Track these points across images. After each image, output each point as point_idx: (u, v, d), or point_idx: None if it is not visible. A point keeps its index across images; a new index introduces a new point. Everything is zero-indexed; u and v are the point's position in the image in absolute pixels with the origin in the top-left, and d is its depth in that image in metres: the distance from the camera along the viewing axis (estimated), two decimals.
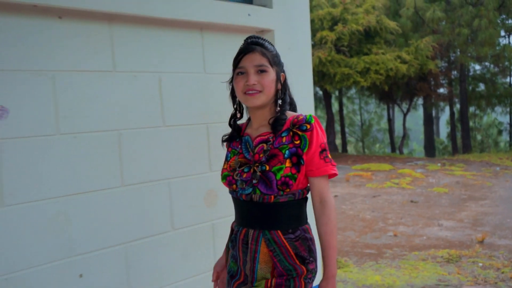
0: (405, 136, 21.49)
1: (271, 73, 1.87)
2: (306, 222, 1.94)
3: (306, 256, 1.85)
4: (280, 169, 1.80)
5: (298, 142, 1.82)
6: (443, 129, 30.02)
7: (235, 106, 2.03)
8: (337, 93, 22.15)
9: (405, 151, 23.24)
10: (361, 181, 11.18)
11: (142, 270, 2.41)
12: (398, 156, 18.02)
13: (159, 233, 2.47)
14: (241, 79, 1.87)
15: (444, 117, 28.06)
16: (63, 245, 2.14)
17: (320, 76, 15.28)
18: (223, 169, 2.01)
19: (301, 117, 1.87)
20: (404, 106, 21.29)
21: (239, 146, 1.98)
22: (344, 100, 26.26)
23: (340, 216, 7.57)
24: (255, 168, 1.85)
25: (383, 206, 8.34)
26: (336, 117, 23.43)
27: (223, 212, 2.74)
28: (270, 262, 1.84)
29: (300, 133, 1.83)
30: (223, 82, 2.12)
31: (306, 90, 3.07)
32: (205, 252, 2.66)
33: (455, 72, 19.72)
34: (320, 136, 1.84)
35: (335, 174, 1.87)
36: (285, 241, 1.83)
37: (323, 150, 1.84)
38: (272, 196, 1.82)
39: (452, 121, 21.81)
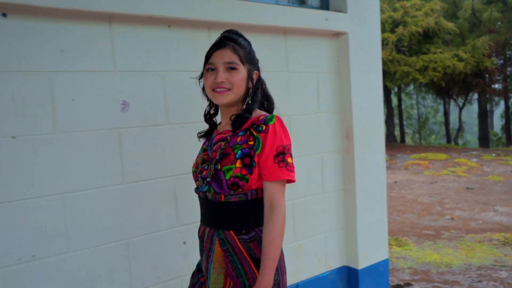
0: (460, 128, 20.42)
1: (242, 71, 1.60)
2: None
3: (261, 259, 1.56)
4: (230, 169, 1.55)
5: (252, 143, 1.55)
6: (497, 122, 28.21)
7: (208, 102, 1.78)
8: (396, 89, 21.41)
9: (460, 142, 22.10)
10: (419, 169, 10.77)
11: None
12: (453, 146, 17.15)
13: None
14: (211, 75, 1.61)
15: (498, 111, 26.35)
16: (170, 217, 2.25)
17: (382, 74, 14.80)
18: (193, 165, 1.77)
19: (262, 117, 1.58)
20: (460, 100, 20.19)
21: (207, 143, 1.74)
22: (402, 96, 25.35)
23: (400, 200, 7.35)
24: (211, 166, 1.60)
25: (440, 192, 8.00)
26: (395, 111, 22.70)
27: (303, 193, 2.76)
28: (223, 262, 1.59)
29: (255, 133, 1.55)
30: (192, 78, 1.85)
31: (376, 86, 3.01)
32: (286, 228, 2.68)
33: (510, 68, 18.44)
34: (277, 139, 1.54)
35: (291, 180, 1.57)
36: (238, 241, 1.57)
37: (280, 153, 1.53)
38: (223, 196, 1.57)
39: (506, 115, 20.44)
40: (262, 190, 1.58)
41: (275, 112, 1.72)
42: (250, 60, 1.65)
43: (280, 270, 1.62)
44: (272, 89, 2.57)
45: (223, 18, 2.31)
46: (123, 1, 2.00)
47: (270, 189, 1.54)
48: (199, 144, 2.28)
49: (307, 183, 2.78)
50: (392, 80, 14.92)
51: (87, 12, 1.93)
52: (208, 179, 1.60)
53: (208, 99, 1.74)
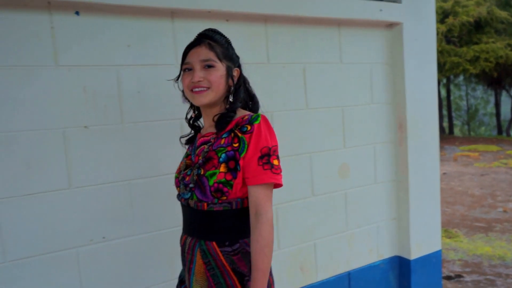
0: None
1: (220, 68, 1.44)
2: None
3: (246, 273, 1.39)
4: (214, 174, 1.37)
5: (236, 145, 1.38)
6: None
7: (190, 104, 1.61)
8: (445, 80, 20.55)
9: None
10: (468, 160, 10.32)
11: (289, 227, 2.47)
12: (505, 138, 16.27)
13: (302, 198, 2.50)
14: (188, 75, 1.45)
15: None
16: None
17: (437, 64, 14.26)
18: (176, 171, 1.60)
19: (246, 117, 1.42)
20: None
21: (190, 148, 1.57)
22: (451, 87, 24.28)
23: (449, 192, 7.07)
24: (193, 171, 1.43)
25: (491, 184, 7.62)
26: (444, 103, 21.80)
27: (355, 183, 2.70)
28: (205, 275, 1.41)
29: (240, 135, 1.38)
30: (169, 80, 1.72)
31: (431, 77, 2.87)
32: (339, 217, 2.65)
33: None
34: (262, 140, 1.37)
35: (278, 185, 1.39)
36: (220, 254, 1.40)
37: (264, 155, 1.37)
38: (205, 204, 1.40)
39: None
40: (247, 199, 1.41)
41: (260, 111, 1.55)
42: (229, 56, 1.49)
43: (268, 283, 1.40)
44: (326, 81, 2.54)
45: (278, 11, 2.28)
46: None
47: (255, 193, 1.36)
48: None
49: (360, 174, 2.72)
50: (442, 71, 14.33)
51: (151, 9, 1.96)
52: (190, 185, 1.42)
53: (188, 101, 1.56)
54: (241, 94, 1.51)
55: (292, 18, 2.37)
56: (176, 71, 2.07)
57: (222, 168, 1.37)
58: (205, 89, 1.42)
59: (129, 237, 1.98)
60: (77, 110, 1.86)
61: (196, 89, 1.43)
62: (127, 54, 1.95)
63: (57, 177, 1.83)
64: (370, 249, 2.79)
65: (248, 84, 1.57)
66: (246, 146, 1.37)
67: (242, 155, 1.37)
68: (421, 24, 2.80)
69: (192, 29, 2.10)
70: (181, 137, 1.63)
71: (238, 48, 2.22)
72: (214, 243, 1.40)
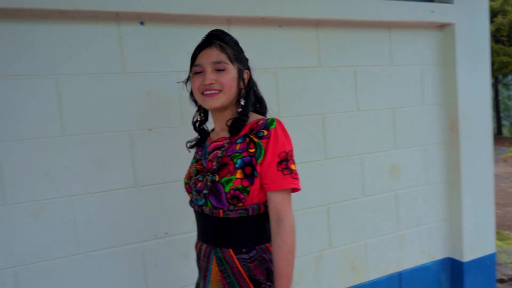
0: None
1: (231, 71, 1.36)
2: (268, 241, 1.36)
3: (262, 280, 1.33)
4: (229, 180, 1.30)
5: (253, 150, 1.30)
6: None
7: (197, 108, 1.52)
8: (493, 80, 19.64)
9: None
10: None
11: (341, 226, 2.45)
12: None
13: (353, 198, 2.48)
14: (198, 78, 1.37)
15: None
16: None
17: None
18: (185, 176, 1.52)
19: (261, 121, 1.33)
20: None
21: (200, 153, 1.49)
22: (499, 87, 23.16)
23: (500, 193, 6.74)
24: (207, 177, 1.35)
25: None
26: (492, 103, 20.84)
27: (406, 184, 2.64)
28: (221, 284, 1.35)
29: (256, 140, 1.30)
30: (178, 82, 1.62)
31: (484, 78, 2.77)
32: (390, 218, 2.60)
33: None
34: (280, 144, 1.30)
35: (296, 189, 1.33)
36: (237, 261, 1.32)
37: (283, 160, 1.30)
38: (221, 211, 1.33)
39: None
40: (264, 204, 1.34)
41: (268, 115, 1.48)
42: (239, 58, 1.41)
43: None
44: (377, 83, 2.51)
45: (329, 16, 2.28)
46: (240, 5, 2.05)
47: (275, 199, 1.29)
48: (300, 137, 2.31)
49: (411, 175, 2.65)
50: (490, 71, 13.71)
51: (209, 17, 2.01)
52: (204, 192, 1.35)
53: (196, 104, 1.49)
54: (252, 98, 1.43)
55: (343, 22, 2.35)
56: None
57: (238, 174, 1.29)
58: (217, 92, 1.35)
59: (189, 233, 2.04)
60: (142, 114, 1.94)
61: (208, 92, 1.35)
62: (186, 61, 2.00)
63: (124, 176, 1.91)
64: (422, 250, 2.72)
65: (256, 86, 1.49)
66: (263, 151, 1.29)
67: (259, 160, 1.29)
68: (473, 24, 2.70)
69: (246, 35, 2.14)
70: (188, 141, 1.55)
71: (290, 52, 2.25)
72: (230, 250, 1.33)
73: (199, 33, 2.02)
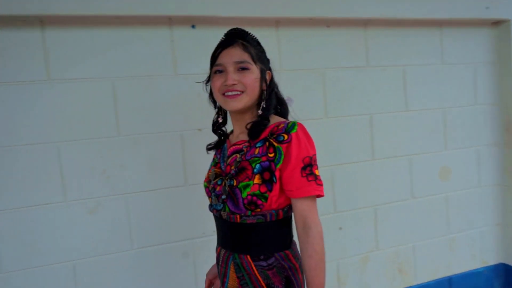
0: None
1: (255, 71, 1.28)
2: (288, 248, 1.29)
3: None
4: (247, 186, 1.22)
5: (272, 155, 1.22)
6: None
7: (216, 110, 1.44)
8: None
9: None
10: None
11: (388, 228, 2.38)
12: None
13: (401, 200, 2.41)
14: (219, 78, 1.29)
15: None
16: (327, 204, 2.26)
17: None
18: (204, 179, 1.46)
19: (282, 125, 1.25)
20: None
21: (219, 156, 1.42)
22: None
23: None
24: (225, 181, 1.29)
25: None
26: None
27: (457, 186, 2.54)
28: None
29: (276, 144, 1.23)
30: (198, 82, 1.51)
31: None
32: (439, 221, 2.51)
33: None
34: (303, 149, 1.22)
35: (320, 196, 1.25)
36: (254, 268, 1.25)
37: (307, 165, 1.22)
38: (238, 216, 1.26)
39: None
40: (283, 210, 1.27)
41: (290, 118, 1.40)
42: (262, 59, 1.33)
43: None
44: (426, 82, 2.42)
45: (378, 15, 2.22)
46: (288, 6, 2.03)
47: (301, 206, 1.22)
48: (347, 138, 2.27)
49: (462, 177, 2.54)
50: None
51: (258, 19, 2.01)
52: (223, 197, 1.29)
53: (215, 106, 1.43)
54: (273, 100, 1.34)
55: (392, 21, 2.29)
56: (281, 77, 2.10)
57: (256, 180, 1.22)
58: (239, 93, 1.26)
59: None
60: (192, 114, 1.97)
61: (229, 93, 1.27)
62: None
63: (175, 175, 1.95)
64: (473, 255, 2.60)
65: (277, 88, 1.40)
66: (282, 156, 1.21)
67: (278, 166, 1.22)
68: None
69: (295, 36, 2.13)
70: (208, 144, 1.48)
71: (338, 52, 2.22)
72: (248, 256, 1.26)
73: None
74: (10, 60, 1.71)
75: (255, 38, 1.34)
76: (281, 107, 1.40)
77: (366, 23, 2.26)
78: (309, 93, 2.17)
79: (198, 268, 2.01)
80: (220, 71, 1.29)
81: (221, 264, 1.34)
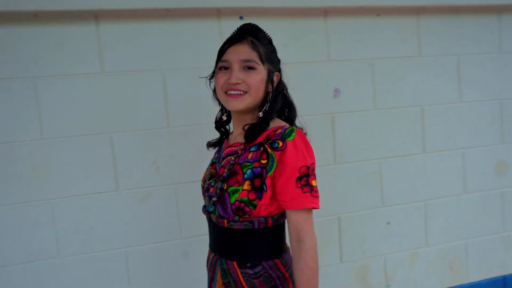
0: None
1: (261, 71, 1.21)
2: (278, 256, 1.23)
3: None
4: (236, 191, 1.17)
5: (265, 162, 1.15)
6: None
7: (220, 107, 1.38)
8: None
9: None
10: None
11: (439, 224, 2.29)
12: None
13: (453, 195, 2.30)
14: (223, 75, 1.22)
15: None
16: (375, 197, 2.19)
17: None
18: (202, 178, 1.39)
19: (279, 130, 1.18)
20: None
21: (216, 155, 1.35)
22: None
23: None
24: (217, 183, 1.23)
25: None
26: None
27: None
28: None
29: (269, 150, 1.15)
30: (202, 77, 1.42)
31: None
32: (494, 217, 2.38)
33: None
34: (300, 158, 1.14)
35: (319, 207, 1.17)
36: (240, 276, 1.20)
37: (304, 175, 1.14)
38: (226, 221, 1.20)
39: None
40: (272, 218, 1.20)
41: (297, 122, 1.33)
42: (271, 59, 1.26)
43: None
44: (482, 73, 2.29)
45: (432, 2, 2.11)
46: None
47: (296, 218, 1.15)
48: (396, 130, 2.19)
49: None
50: None
51: (306, 9, 1.97)
52: (214, 199, 1.23)
53: (219, 103, 1.36)
54: (278, 104, 1.27)
55: (446, 8, 2.17)
56: (329, 67, 2.06)
57: (246, 186, 1.16)
58: (242, 93, 1.20)
59: None
60: None
61: (232, 92, 1.20)
62: (284, 53, 1.97)
63: None
64: None
65: (287, 90, 1.33)
66: (274, 164, 1.14)
67: (270, 173, 1.15)
68: None
69: (344, 26, 2.07)
70: (209, 142, 1.43)
71: (388, 42, 2.13)
72: (234, 263, 1.21)
73: (297, 26, 2.01)
74: (67, 54, 1.76)
75: (268, 36, 1.28)
76: (289, 111, 1.32)
77: (418, 11, 2.16)
78: (358, 84, 2.11)
79: None
80: (225, 68, 1.23)
81: (209, 268, 1.30)
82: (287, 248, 1.28)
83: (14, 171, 1.74)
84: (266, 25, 1.95)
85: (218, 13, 1.89)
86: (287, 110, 1.32)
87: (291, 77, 1.99)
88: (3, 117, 1.71)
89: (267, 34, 1.28)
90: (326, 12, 2.03)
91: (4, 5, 1.64)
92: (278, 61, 1.31)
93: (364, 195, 2.16)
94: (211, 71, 1.88)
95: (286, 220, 1.22)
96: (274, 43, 1.94)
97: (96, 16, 1.77)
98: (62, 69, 1.75)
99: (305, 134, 1.26)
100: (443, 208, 2.29)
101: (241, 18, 1.93)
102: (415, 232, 2.26)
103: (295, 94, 1.99)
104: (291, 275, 1.22)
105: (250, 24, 1.28)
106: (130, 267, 1.88)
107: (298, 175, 1.14)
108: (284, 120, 1.29)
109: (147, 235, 1.90)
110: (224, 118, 1.37)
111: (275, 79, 1.27)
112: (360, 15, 2.08)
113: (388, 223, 2.21)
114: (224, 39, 1.88)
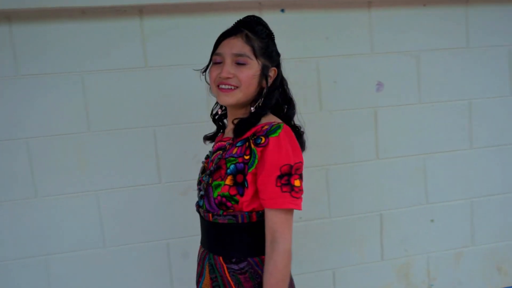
0: None
1: (253, 67, 1.17)
2: (264, 253, 1.14)
3: None
4: (218, 185, 1.15)
5: (247, 157, 1.13)
6: None
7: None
8: None
9: None
10: None
11: (486, 223, 2.19)
12: None
13: (501, 193, 2.19)
14: (216, 68, 1.19)
15: None
16: (419, 194, 2.12)
17: None
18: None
19: (266, 126, 1.13)
20: None
21: (212, 150, 1.33)
22: None
23: None
24: (206, 178, 1.22)
25: None
26: None
27: None
28: None
29: (252, 146, 1.12)
30: (196, 70, 1.37)
31: None
32: None
33: None
34: (283, 156, 1.09)
35: (300, 208, 1.11)
36: (226, 271, 1.17)
37: (285, 174, 1.09)
38: (210, 215, 1.19)
39: None
40: (257, 213, 1.16)
41: (296, 119, 1.29)
42: (267, 53, 1.20)
43: None
44: None
45: None
46: None
47: (272, 218, 1.11)
48: (442, 125, 2.10)
49: None
50: None
51: (349, 0, 1.92)
52: (201, 193, 1.23)
53: None
54: (273, 100, 1.22)
55: None
56: (372, 60, 2.01)
57: (228, 181, 1.14)
58: (233, 88, 1.17)
59: (323, 219, 2.01)
60: None
61: (223, 86, 1.18)
62: (325, 46, 1.95)
63: None
64: None
65: (287, 85, 1.30)
66: (256, 160, 1.11)
67: (251, 170, 1.12)
68: None
69: (388, 17, 2.00)
70: (205, 135, 1.43)
71: (435, 33, 2.05)
72: (221, 258, 1.19)
73: (339, 18, 1.96)
74: (112, 49, 1.79)
75: (266, 30, 1.24)
76: (288, 107, 1.28)
77: (467, 0, 2.06)
78: (402, 77, 2.04)
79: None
80: (219, 62, 1.20)
81: (199, 262, 1.28)
82: None
83: (62, 163, 1.79)
84: (308, 17, 1.94)
85: (260, 6, 1.88)
86: (286, 107, 1.28)
87: (332, 70, 1.98)
88: (52, 111, 1.77)
89: (267, 27, 1.25)
90: (370, 3, 1.97)
91: (54, 2, 1.68)
92: (277, 55, 1.26)
93: (407, 192, 2.09)
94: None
95: None
96: (316, 34, 1.94)
97: (140, 11, 1.79)
98: (107, 64, 1.79)
99: (303, 133, 1.24)
100: (490, 206, 2.19)
101: (282, 10, 1.90)
102: (460, 230, 2.17)
103: (336, 88, 1.98)
104: None
105: (250, 16, 1.26)
106: (172, 258, 1.91)
107: (278, 173, 1.09)
108: (282, 117, 1.25)
109: (188, 227, 1.91)
110: (219, 112, 1.35)
111: (272, 74, 1.23)
112: (405, 5, 2.01)
113: (432, 220, 2.14)
114: None
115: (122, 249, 1.87)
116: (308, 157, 1.96)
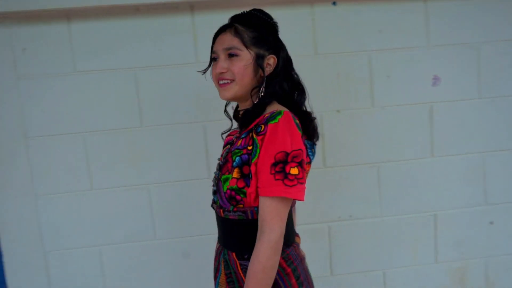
0: None
1: (244, 57, 1.15)
2: None
3: None
4: (226, 179, 1.14)
5: (250, 148, 1.10)
6: None
7: None
8: None
9: None
10: None
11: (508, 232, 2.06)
12: None
13: None
14: (214, 66, 1.21)
15: None
16: (477, 194, 2.01)
17: None
18: None
19: (267, 114, 1.10)
20: None
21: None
22: None
23: None
24: (216, 173, 1.22)
25: None
26: None
27: None
28: None
29: (254, 136, 1.10)
30: (199, 71, 1.35)
31: None
32: None
33: None
34: (279, 143, 1.05)
35: (296, 197, 1.05)
36: (239, 267, 1.15)
37: (280, 162, 1.04)
38: (222, 210, 1.17)
39: None
40: None
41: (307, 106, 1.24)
42: (260, 42, 1.18)
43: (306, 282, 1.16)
44: None
45: None
46: None
47: (262, 207, 1.07)
48: (504, 122, 1.97)
49: None
50: None
51: None
52: (214, 188, 1.23)
53: None
54: (276, 87, 1.19)
55: None
56: (428, 53, 1.92)
57: (235, 174, 1.12)
58: (229, 82, 1.18)
59: (376, 217, 1.94)
60: (331, 95, 1.89)
61: (221, 82, 1.19)
62: (378, 39, 1.88)
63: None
64: None
65: (294, 72, 1.25)
66: (258, 150, 1.08)
67: (254, 160, 1.09)
68: None
69: (446, 8, 1.91)
70: (223, 132, 1.41)
71: (497, 23, 1.93)
72: (234, 254, 1.18)
73: (391, 10, 1.88)
74: (164, 45, 1.81)
75: (261, 20, 1.21)
76: (298, 93, 1.23)
77: None
78: (461, 71, 1.93)
79: (333, 252, 1.95)
80: (216, 59, 1.21)
81: (215, 258, 1.27)
82: (294, 242, 1.21)
83: (115, 157, 1.83)
84: (360, 10, 1.88)
85: None
86: (296, 93, 1.24)
87: (385, 63, 1.91)
88: (106, 106, 1.81)
89: (263, 18, 1.22)
90: None
91: (109, 0, 1.73)
92: (276, 42, 1.23)
93: (464, 192, 1.98)
94: (304, 59, 1.85)
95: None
96: (368, 28, 1.87)
97: (191, 7, 1.80)
98: (160, 60, 1.81)
99: (314, 119, 1.20)
100: None
101: (334, 3, 1.86)
102: None
103: (390, 82, 1.91)
104: (294, 270, 1.15)
105: (249, 11, 1.24)
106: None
107: (273, 161, 1.06)
108: (292, 104, 1.20)
109: None
110: (233, 107, 1.35)
111: (271, 62, 1.20)
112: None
113: (492, 223, 2.01)
114: (317, 26, 1.85)
115: (171, 242, 1.89)
116: (359, 154, 1.92)
